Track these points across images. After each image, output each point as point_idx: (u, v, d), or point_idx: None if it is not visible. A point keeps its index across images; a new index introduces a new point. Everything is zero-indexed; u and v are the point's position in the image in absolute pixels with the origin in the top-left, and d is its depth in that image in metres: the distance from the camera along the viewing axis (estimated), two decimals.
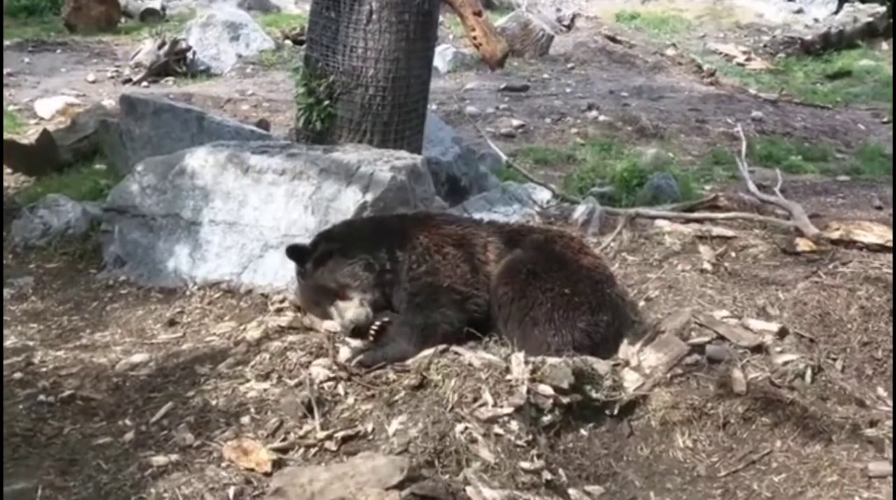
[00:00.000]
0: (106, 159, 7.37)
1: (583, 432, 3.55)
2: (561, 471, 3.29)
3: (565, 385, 3.50)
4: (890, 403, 3.72)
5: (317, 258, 4.00)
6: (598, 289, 3.91)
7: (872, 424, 3.52)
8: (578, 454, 3.46)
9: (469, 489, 2.95)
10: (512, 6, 15.71)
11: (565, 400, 3.49)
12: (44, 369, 3.83)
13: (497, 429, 3.26)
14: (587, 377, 3.61)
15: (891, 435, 3.44)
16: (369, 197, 4.59)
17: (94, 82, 11.84)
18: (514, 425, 3.30)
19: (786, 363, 3.76)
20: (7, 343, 4.13)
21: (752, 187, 6.12)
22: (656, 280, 4.54)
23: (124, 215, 5.06)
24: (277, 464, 3.09)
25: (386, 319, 3.85)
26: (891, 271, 4.36)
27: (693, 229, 5.17)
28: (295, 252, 4.06)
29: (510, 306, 3.88)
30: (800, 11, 16.75)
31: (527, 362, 3.55)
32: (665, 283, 4.50)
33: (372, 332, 3.80)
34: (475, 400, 3.38)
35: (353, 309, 3.90)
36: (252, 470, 3.06)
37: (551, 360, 3.60)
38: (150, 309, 4.57)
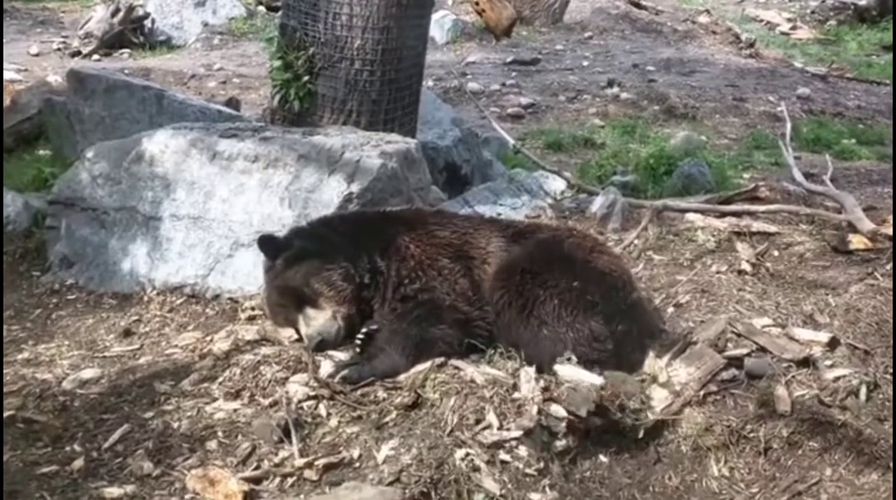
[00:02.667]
0: (51, 144, 7.38)
1: (602, 458, 3.55)
2: None
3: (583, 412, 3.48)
4: None
5: (290, 256, 3.99)
6: (612, 295, 3.86)
7: None
8: (597, 483, 3.46)
9: None
10: None
11: (582, 422, 3.49)
12: None
13: (503, 455, 3.26)
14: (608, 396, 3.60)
15: None
16: (355, 187, 4.60)
17: (37, 55, 11.86)
18: (522, 450, 3.30)
19: (837, 379, 3.77)
20: None
21: (798, 176, 6.12)
22: (687, 283, 4.54)
23: (72, 209, 5.06)
24: (249, 496, 3.08)
25: (374, 326, 3.84)
26: None
27: (729, 224, 5.18)
28: (267, 243, 4.06)
29: (509, 311, 3.83)
30: None
31: (538, 379, 3.55)
32: (697, 286, 4.50)
33: (358, 341, 3.79)
34: (478, 422, 3.38)
35: (323, 320, 3.90)
36: None
37: (563, 372, 3.59)
38: (101, 317, 4.57)
